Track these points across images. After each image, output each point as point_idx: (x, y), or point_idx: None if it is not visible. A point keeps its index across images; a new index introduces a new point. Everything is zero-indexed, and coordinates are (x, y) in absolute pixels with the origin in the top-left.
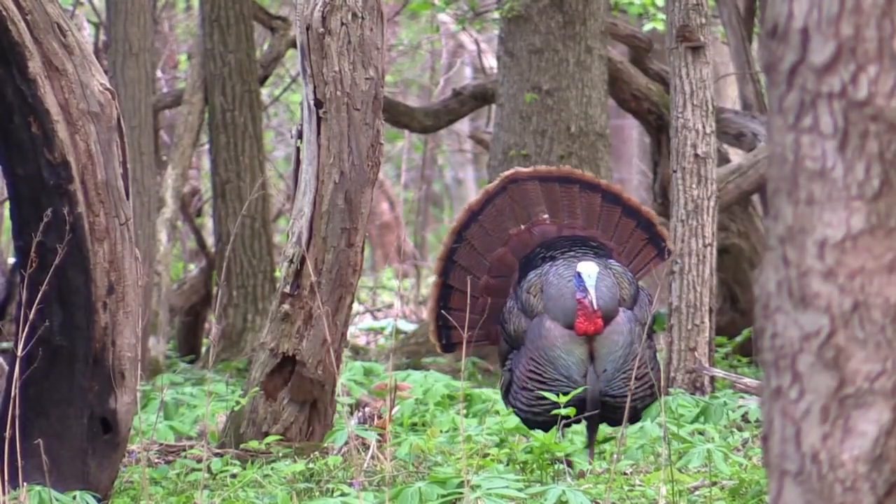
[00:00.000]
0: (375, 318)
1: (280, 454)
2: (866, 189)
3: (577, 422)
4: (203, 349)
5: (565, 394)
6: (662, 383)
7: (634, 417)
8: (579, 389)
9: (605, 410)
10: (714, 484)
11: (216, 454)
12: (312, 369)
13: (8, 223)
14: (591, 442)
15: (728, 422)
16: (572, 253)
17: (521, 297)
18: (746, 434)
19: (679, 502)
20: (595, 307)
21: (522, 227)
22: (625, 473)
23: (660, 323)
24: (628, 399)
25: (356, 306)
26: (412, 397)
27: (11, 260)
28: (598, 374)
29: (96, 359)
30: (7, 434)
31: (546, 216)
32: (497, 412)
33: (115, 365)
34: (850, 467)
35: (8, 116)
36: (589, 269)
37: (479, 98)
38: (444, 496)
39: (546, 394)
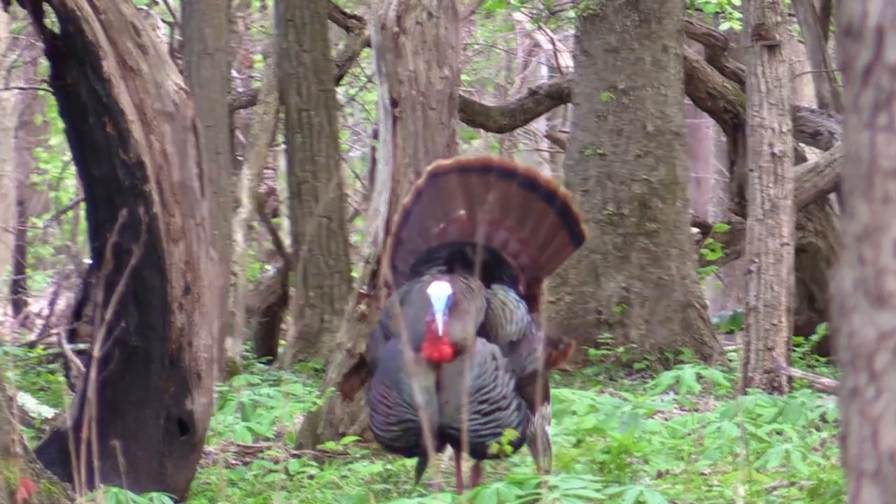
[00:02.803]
0: None
1: (357, 455)
2: None
3: (437, 450)
4: (280, 350)
5: (408, 420)
6: (738, 385)
7: (481, 453)
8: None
9: (453, 443)
10: (792, 484)
11: (293, 455)
12: None
13: (84, 224)
14: (420, 468)
15: (806, 422)
16: (439, 268)
17: (383, 316)
18: (825, 434)
19: (757, 502)
20: (441, 332)
21: (442, 225)
22: (703, 474)
23: (737, 322)
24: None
25: None
26: None
27: (88, 261)
28: (441, 405)
29: (172, 360)
30: (84, 435)
31: (462, 212)
32: (574, 412)
33: (192, 366)
34: None
35: (82, 117)
36: (439, 290)
37: (554, 97)
38: (521, 497)
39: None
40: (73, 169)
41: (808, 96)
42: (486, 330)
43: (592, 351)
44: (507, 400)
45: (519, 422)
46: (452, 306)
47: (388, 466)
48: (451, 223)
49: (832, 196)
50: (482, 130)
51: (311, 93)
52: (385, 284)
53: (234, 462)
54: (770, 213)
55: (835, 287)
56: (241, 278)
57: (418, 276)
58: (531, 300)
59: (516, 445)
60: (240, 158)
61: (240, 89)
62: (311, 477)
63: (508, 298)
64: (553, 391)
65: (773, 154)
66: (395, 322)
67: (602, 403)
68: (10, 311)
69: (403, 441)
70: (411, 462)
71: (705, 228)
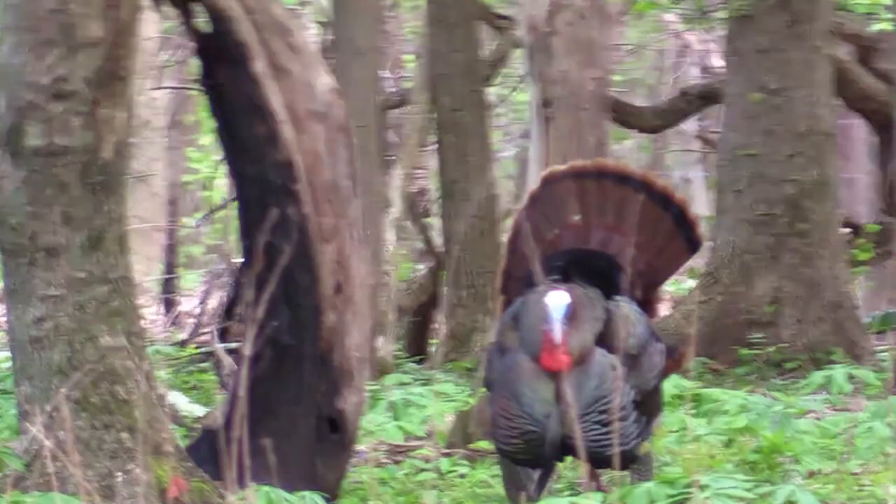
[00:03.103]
0: None
1: None
2: None
3: (559, 460)
4: (431, 349)
5: (529, 432)
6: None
7: (604, 462)
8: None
9: (574, 454)
10: None
11: (444, 454)
12: None
13: (235, 223)
14: (542, 479)
15: None
16: (555, 278)
17: (499, 330)
18: None
19: None
20: (558, 341)
21: (556, 231)
22: (854, 473)
23: (889, 322)
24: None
25: None
26: None
27: (239, 260)
28: (562, 415)
29: (324, 358)
30: (235, 434)
31: (577, 217)
32: (725, 412)
33: (343, 365)
34: None
35: (233, 117)
36: (557, 300)
37: (706, 98)
38: (672, 496)
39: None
40: (223, 168)
41: None
42: (606, 340)
43: (744, 351)
44: (627, 411)
45: (638, 434)
46: (571, 316)
47: None
48: (565, 229)
49: None
50: (634, 131)
51: (461, 93)
52: (501, 291)
53: (384, 461)
54: None
55: None
56: (392, 278)
57: (535, 287)
58: (647, 306)
59: (631, 460)
60: (391, 158)
61: (391, 89)
62: (462, 476)
63: (631, 311)
64: (704, 391)
65: None
66: (510, 335)
67: (753, 403)
68: (161, 310)
69: (527, 453)
70: (561, 463)
71: (856, 229)
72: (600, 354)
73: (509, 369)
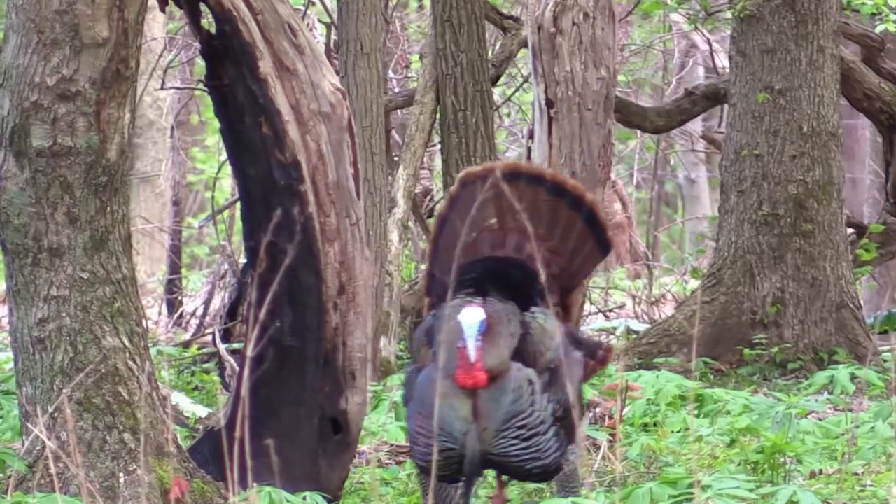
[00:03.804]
0: (607, 318)
1: None
2: None
3: (479, 475)
4: None
5: (448, 449)
6: None
7: (535, 477)
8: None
9: (495, 468)
10: None
11: None
12: None
13: (239, 224)
14: (465, 495)
15: None
16: (469, 291)
17: (414, 347)
18: None
19: None
20: (473, 359)
21: (474, 234)
22: (856, 474)
23: (892, 323)
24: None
25: (588, 306)
26: (643, 398)
27: (242, 261)
28: (480, 432)
29: (327, 359)
30: (237, 434)
31: (494, 220)
32: (728, 412)
33: (346, 365)
34: None
35: (239, 117)
36: (471, 317)
37: (711, 98)
38: (674, 496)
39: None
40: (228, 168)
41: None
42: (522, 355)
43: (747, 351)
44: (546, 425)
45: (559, 446)
46: (485, 332)
47: None
48: (482, 232)
49: None
50: (638, 131)
51: (467, 93)
52: (427, 293)
53: (387, 461)
54: None
55: None
56: (396, 278)
57: (449, 299)
58: (564, 312)
59: (554, 471)
60: (395, 158)
61: (396, 89)
62: None
63: (547, 322)
64: (707, 391)
65: None
66: (425, 351)
67: (756, 403)
68: (164, 310)
69: (446, 469)
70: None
71: (861, 229)
72: (516, 370)
73: (425, 387)
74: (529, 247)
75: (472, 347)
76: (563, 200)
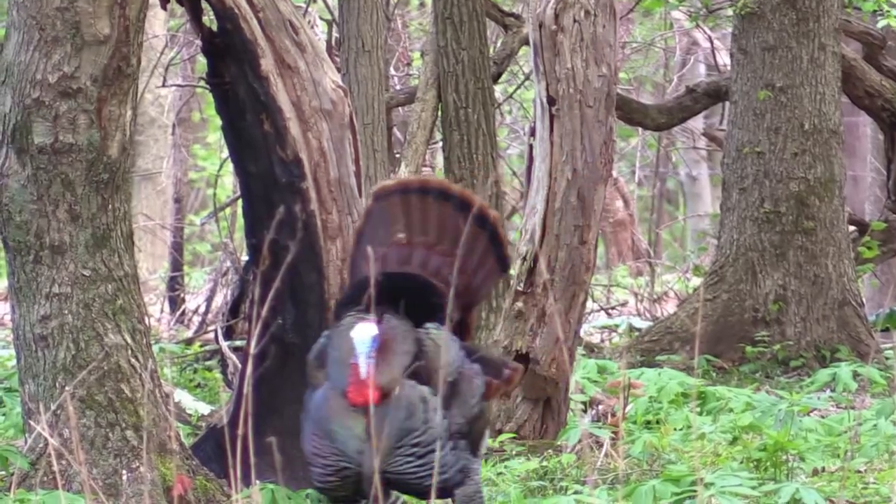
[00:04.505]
0: (609, 315)
1: (513, 452)
2: None
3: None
4: None
5: (344, 468)
6: None
7: (424, 494)
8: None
9: (394, 487)
10: None
11: None
12: (546, 367)
13: (241, 221)
14: None
15: None
16: (360, 308)
17: (308, 369)
18: None
19: None
20: (364, 376)
21: (384, 249)
22: (858, 471)
23: (894, 320)
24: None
25: (590, 304)
26: (645, 395)
27: (244, 258)
28: (375, 451)
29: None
30: (240, 432)
31: (402, 235)
32: (730, 410)
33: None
34: None
35: (240, 114)
36: (363, 333)
37: (712, 95)
38: (677, 494)
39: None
40: (230, 166)
41: None
42: (417, 372)
43: (749, 348)
44: (441, 441)
45: (455, 463)
46: (379, 348)
47: (545, 464)
48: (391, 247)
49: None
50: (640, 128)
51: (468, 90)
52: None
53: None
54: None
55: None
56: None
57: (344, 316)
58: (463, 329)
59: (455, 486)
60: (397, 156)
61: (398, 87)
62: None
63: (443, 338)
64: (709, 389)
65: None
66: (317, 373)
67: (758, 401)
68: (167, 307)
69: (344, 489)
70: (567, 458)
71: (862, 226)
72: (409, 387)
73: (319, 407)
74: (434, 262)
75: (363, 364)
76: (468, 216)
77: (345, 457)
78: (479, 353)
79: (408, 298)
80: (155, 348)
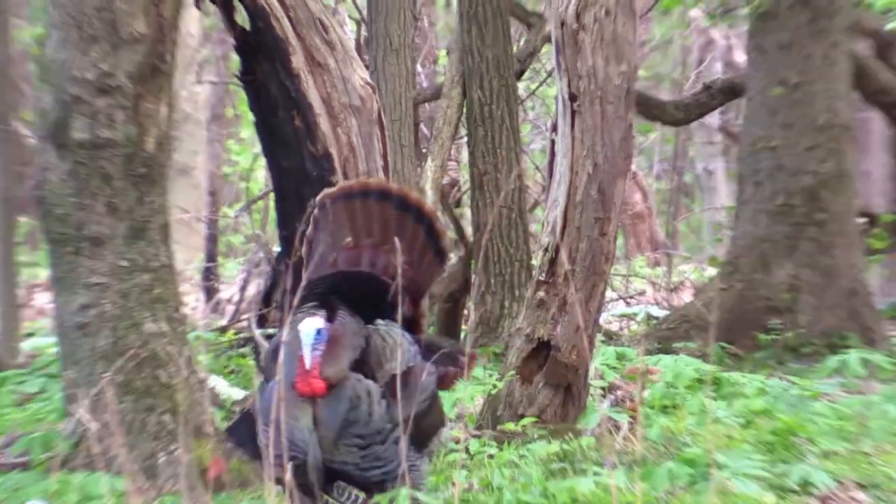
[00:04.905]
0: (628, 304)
1: (535, 436)
2: None
3: (327, 483)
4: (462, 335)
5: (294, 458)
6: None
7: (377, 486)
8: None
9: (339, 477)
10: None
11: (474, 436)
12: (566, 354)
13: (273, 214)
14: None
15: None
16: (313, 304)
17: (264, 364)
18: None
19: None
20: (309, 366)
21: (335, 254)
22: (866, 453)
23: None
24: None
25: (609, 293)
26: (662, 381)
27: (276, 249)
28: (320, 440)
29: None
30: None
31: (349, 239)
32: (744, 395)
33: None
34: None
35: (272, 110)
36: (308, 326)
37: (728, 92)
38: (692, 475)
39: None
40: (262, 160)
41: None
42: (364, 366)
43: (762, 336)
44: (383, 435)
45: (396, 457)
46: (329, 342)
47: (565, 446)
48: (341, 252)
49: None
50: (658, 124)
51: (492, 87)
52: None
53: None
54: None
55: None
56: None
57: (298, 313)
58: (414, 321)
59: (394, 479)
60: (424, 150)
61: (424, 84)
62: (490, 456)
63: (390, 333)
64: (724, 375)
65: None
66: (272, 367)
67: (770, 386)
68: (202, 297)
69: (299, 479)
70: (586, 442)
71: (872, 218)
72: (354, 379)
73: (270, 399)
74: (381, 260)
75: (308, 355)
76: (408, 214)
77: (293, 447)
78: (434, 344)
79: (360, 296)
80: (190, 336)
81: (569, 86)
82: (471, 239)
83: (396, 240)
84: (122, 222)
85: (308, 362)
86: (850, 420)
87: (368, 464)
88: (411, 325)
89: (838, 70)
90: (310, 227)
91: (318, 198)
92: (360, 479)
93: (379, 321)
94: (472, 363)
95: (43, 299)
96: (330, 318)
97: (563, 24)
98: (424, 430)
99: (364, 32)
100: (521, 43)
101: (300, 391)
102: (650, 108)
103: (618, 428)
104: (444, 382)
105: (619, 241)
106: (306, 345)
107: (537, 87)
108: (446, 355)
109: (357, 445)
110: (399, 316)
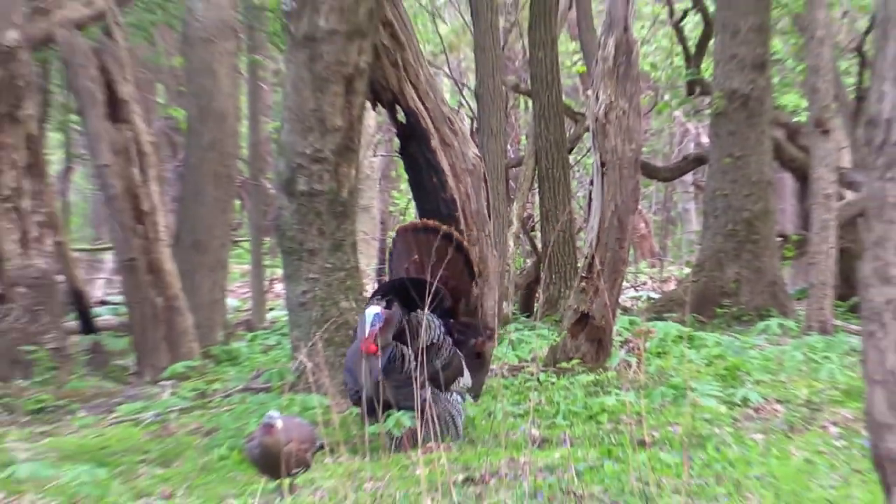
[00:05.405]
0: (636, 290)
1: (580, 371)
2: None
3: (373, 410)
4: (535, 309)
5: (356, 392)
6: None
7: (411, 412)
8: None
9: (385, 407)
10: (835, 388)
11: (542, 371)
12: (598, 320)
13: None
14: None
15: (843, 352)
16: (378, 298)
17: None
18: (854, 359)
19: (812, 398)
20: (367, 335)
21: (407, 265)
22: (782, 381)
23: (804, 293)
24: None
25: (624, 284)
26: (657, 337)
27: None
28: (371, 381)
29: (473, 314)
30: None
31: (416, 256)
32: (707, 346)
33: (483, 318)
34: None
35: (419, 173)
36: (369, 311)
37: (698, 161)
38: (675, 395)
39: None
40: (413, 203)
41: (847, 160)
42: (404, 338)
43: (718, 310)
44: (410, 380)
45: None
46: (384, 321)
47: (598, 377)
48: (411, 264)
49: (860, 219)
50: (654, 180)
51: (553, 159)
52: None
53: (506, 374)
54: (823, 230)
55: (861, 272)
56: (511, 268)
57: (370, 304)
58: (453, 313)
59: (423, 408)
60: (511, 197)
61: (512, 155)
62: (552, 383)
63: (425, 319)
64: (695, 334)
65: (825, 195)
66: (357, 333)
67: (723, 341)
68: (375, 286)
69: (358, 404)
70: (611, 375)
71: (785, 238)
72: (393, 346)
73: (352, 352)
74: (434, 272)
75: (367, 329)
76: (450, 244)
77: (357, 383)
78: (467, 323)
79: (410, 295)
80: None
81: (600, 157)
82: (540, 251)
83: (440, 260)
84: (327, 240)
85: (367, 333)
86: (772, 361)
87: (402, 397)
88: (452, 314)
89: (765, 147)
90: (391, 248)
91: (396, 227)
92: (398, 406)
93: (419, 311)
94: (495, 335)
95: (278, 287)
96: (387, 307)
97: (596, 119)
98: (447, 377)
99: (475, 124)
100: (572, 131)
101: (364, 350)
102: (649, 171)
103: (630, 366)
104: (478, 345)
105: (630, 252)
106: (368, 323)
107: (581, 158)
108: (473, 329)
109: (393, 386)
110: (426, 307)
